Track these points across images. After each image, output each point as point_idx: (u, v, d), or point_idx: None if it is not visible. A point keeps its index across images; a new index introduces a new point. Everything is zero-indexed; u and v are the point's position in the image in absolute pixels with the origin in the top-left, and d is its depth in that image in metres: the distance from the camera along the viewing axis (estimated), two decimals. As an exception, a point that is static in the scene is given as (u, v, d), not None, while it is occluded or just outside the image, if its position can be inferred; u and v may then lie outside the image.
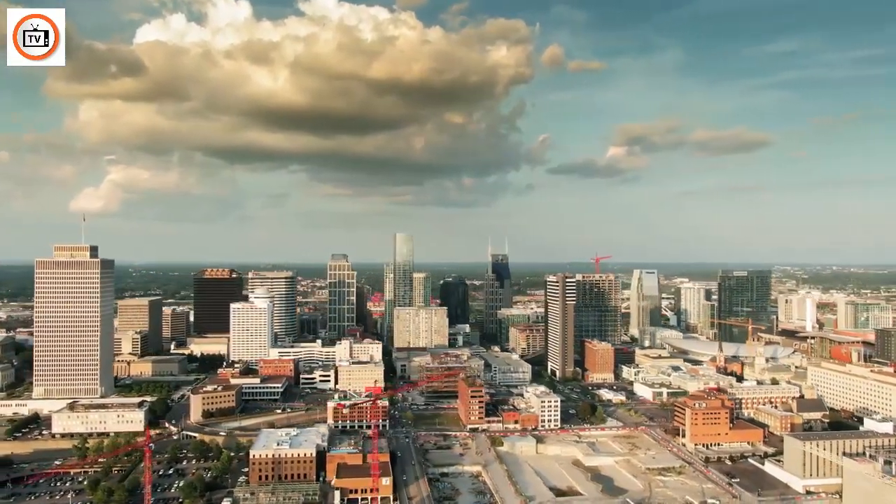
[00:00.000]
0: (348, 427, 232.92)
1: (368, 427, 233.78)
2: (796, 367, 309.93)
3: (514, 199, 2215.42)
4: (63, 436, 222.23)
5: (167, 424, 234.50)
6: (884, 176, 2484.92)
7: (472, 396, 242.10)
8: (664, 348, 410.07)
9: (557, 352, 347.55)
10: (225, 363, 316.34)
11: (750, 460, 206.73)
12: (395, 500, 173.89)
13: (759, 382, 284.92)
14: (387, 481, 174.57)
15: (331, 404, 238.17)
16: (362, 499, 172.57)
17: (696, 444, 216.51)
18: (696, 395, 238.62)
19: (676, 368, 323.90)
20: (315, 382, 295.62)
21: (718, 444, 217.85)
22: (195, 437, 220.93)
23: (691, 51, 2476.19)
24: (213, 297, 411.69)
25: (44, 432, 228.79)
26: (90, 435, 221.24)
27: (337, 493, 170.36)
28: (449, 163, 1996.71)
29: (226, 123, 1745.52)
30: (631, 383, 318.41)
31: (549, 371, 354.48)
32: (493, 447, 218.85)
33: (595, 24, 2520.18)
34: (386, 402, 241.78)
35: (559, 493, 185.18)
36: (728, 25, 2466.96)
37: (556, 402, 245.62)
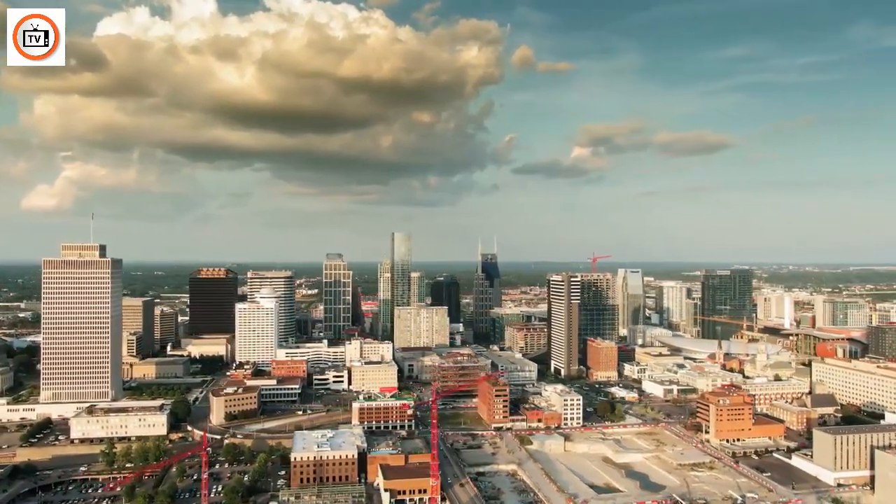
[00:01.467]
0: (374, 428, 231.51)
1: (394, 428, 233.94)
2: (797, 363, 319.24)
3: (479, 198, 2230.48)
4: (82, 441, 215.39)
5: (189, 427, 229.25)
6: (837, 177, 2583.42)
7: (496, 395, 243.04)
8: (655, 346, 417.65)
9: (562, 350, 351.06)
10: (235, 365, 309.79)
11: (775, 455, 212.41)
12: (443, 500, 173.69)
13: (771, 379, 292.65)
14: (433, 482, 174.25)
15: (356, 405, 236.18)
16: (410, 500, 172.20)
17: (720, 440, 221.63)
18: (718, 391, 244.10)
19: (681, 366, 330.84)
20: (328, 383, 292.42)
21: (741, 440, 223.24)
22: (219, 439, 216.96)
23: (650, 54, 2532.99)
24: (209, 297, 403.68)
25: (60, 437, 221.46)
26: (111, 440, 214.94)
27: (386, 495, 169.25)
28: (415, 162, 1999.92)
29: (189, 120, 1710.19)
30: (638, 381, 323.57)
31: (552, 369, 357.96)
32: (522, 446, 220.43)
33: (557, 26, 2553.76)
34: (410, 403, 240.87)
35: (598, 490, 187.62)
36: (682, 30, 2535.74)
37: (577, 400, 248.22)
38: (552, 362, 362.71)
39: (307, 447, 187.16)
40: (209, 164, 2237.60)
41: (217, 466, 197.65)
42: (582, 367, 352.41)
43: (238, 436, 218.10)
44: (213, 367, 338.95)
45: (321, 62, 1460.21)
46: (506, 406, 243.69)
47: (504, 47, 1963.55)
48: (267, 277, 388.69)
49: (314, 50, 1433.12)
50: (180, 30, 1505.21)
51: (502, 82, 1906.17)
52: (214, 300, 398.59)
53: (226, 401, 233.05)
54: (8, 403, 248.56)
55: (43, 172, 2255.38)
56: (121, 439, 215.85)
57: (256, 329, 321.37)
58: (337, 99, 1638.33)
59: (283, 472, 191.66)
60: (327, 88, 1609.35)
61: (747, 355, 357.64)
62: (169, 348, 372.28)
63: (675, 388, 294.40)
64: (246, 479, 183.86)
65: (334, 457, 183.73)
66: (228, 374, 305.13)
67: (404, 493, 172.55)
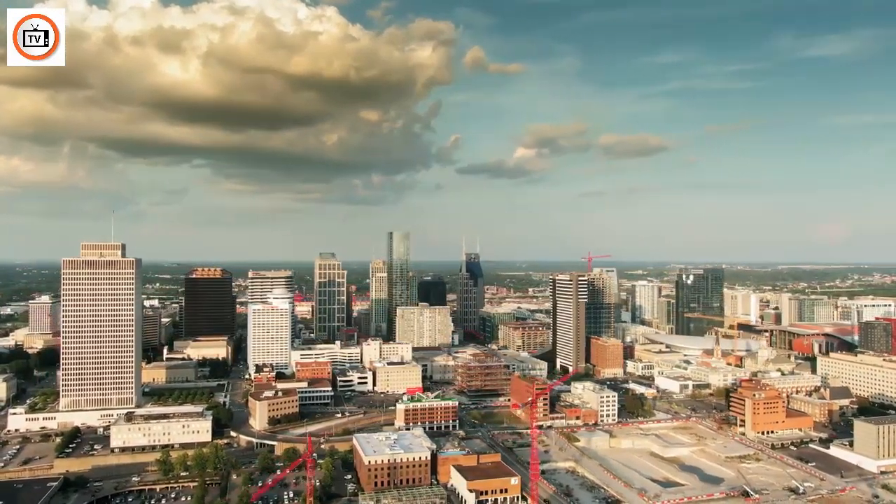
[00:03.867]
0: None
1: (439, 428, 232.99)
2: (796, 357, 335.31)
3: (422, 197, 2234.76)
4: (123, 450, 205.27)
5: (233, 433, 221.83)
6: (765, 181, 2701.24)
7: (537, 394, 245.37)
8: (639, 342, 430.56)
9: (570, 348, 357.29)
10: (256, 367, 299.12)
11: (811, 445, 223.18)
12: (522, 498, 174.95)
13: (774, 373, 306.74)
14: (515, 481, 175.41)
15: (401, 406, 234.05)
16: (493, 500, 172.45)
17: (757, 433, 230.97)
18: (748, 386, 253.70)
19: (687, 362, 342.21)
20: (353, 384, 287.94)
21: (774, 432, 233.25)
22: (271, 444, 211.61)
23: (586, 58, 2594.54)
24: (204, 298, 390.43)
25: (96, 447, 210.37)
26: (153, 448, 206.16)
27: (472, 496, 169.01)
28: (360, 161, 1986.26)
29: (126, 114, 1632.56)
30: (646, 378, 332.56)
31: (558, 367, 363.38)
32: (571, 443, 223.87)
33: (497, 28, 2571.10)
34: (455, 403, 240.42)
35: (662, 484, 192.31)
36: (614, 36, 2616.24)
37: (613, 397, 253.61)
38: (558, 360, 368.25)
39: (378, 450, 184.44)
40: (144, 160, 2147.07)
41: (278, 472, 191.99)
42: (587, 364, 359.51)
43: (324, 442, 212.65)
44: (219, 370, 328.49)
45: (270, 58, 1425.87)
46: (546, 404, 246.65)
47: (457, 48, 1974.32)
48: (267, 278, 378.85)
49: (264, 45, 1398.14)
50: (118, 19, 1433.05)
51: (451, 82, 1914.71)
52: (210, 301, 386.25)
53: (269, 405, 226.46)
54: (26, 412, 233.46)
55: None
56: (163, 447, 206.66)
57: (271, 331, 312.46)
58: (284, 96, 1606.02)
59: (348, 476, 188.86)
60: (275, 85, 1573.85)
61: (742, 351, 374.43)
62: (165, 351, 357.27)
63: (690, 383, 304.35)
64: (316, 483, 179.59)
65: (408, 459, 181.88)
66: (246, 376, 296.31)
67: (486, 493, 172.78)
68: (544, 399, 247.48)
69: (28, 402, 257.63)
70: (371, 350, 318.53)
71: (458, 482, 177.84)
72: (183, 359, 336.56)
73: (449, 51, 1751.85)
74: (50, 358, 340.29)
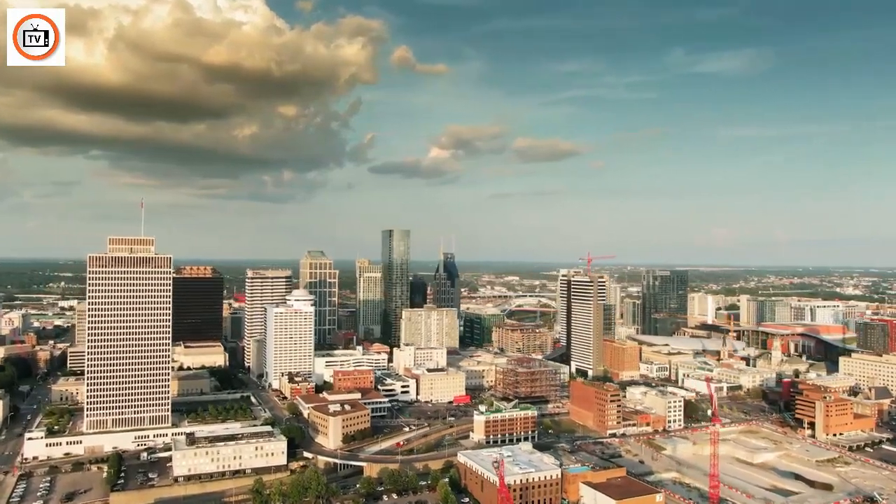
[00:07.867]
0: (498, 441, 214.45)
1: (518, 440, 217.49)
2: (809, 358, 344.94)
3: (333, 196, 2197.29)
4: (188, 478, 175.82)
5: (307, 454, 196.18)
6: (663, 187, 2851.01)
7: (610, 401, 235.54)
8: (627, 343, 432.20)
9: (587, 351, 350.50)
10: (293, 377, 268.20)
11: (883, 446, 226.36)
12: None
13: (790, 373, 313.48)
14: (660, 497, 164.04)
15: (480, 418, 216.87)
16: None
17: (828, 435, 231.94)
18: (812, 388, 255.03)
19: (706, 363, 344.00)
20: (395, 394, 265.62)
21: (842, 434, 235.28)
22: (357, 465, 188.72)
23: (492, 63, 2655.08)
24: (193, 300, 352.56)
25: (150, 476, 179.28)
26: (222, 475, 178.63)
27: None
28: (272, 156, 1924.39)
29: (17, 98, 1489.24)
30: (667, 380, 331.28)
31: (573, 370, 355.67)
32: (658, 452, 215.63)
33: (407, 28, 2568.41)
34: (535, 413, 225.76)
35: (781, 493, 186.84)
36: (519, 43, 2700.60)
37: (679, 401, 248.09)
38: (573, 363, 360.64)
39: (505, 470, 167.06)
40: (35, 149, 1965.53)
41: (385, 497, 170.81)
42: (604, 366, 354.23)
43: (402, 460, 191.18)
44: (233, 379, 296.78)
45: (186, 46, 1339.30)
46: (619, 411, 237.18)
47: (385, 46, 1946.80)
48: (267, 277, 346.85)
49: (180, 32, 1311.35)
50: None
51: (377, 82, 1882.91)
52: (200, 303, 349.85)
53: (343, 421, 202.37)
54: (45, 437, 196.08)
55: None
56: (234, 473, 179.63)
57: (294, 336, 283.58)
58: (197, 86, 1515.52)
59: (465, 500, 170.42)
60: (188, 75, 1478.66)
61: (735, 352, 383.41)
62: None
63: (724, 385, 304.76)
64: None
65: (541, 478, 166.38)
66: (273, 387, 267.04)
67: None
68: (618, 405, 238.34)
69: (24, 422, 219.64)
70: (405, 356, 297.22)
71: (595, 501, 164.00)
72: (181, 368, 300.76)
73: (376, 49, 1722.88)
74: (23, 368, 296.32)
